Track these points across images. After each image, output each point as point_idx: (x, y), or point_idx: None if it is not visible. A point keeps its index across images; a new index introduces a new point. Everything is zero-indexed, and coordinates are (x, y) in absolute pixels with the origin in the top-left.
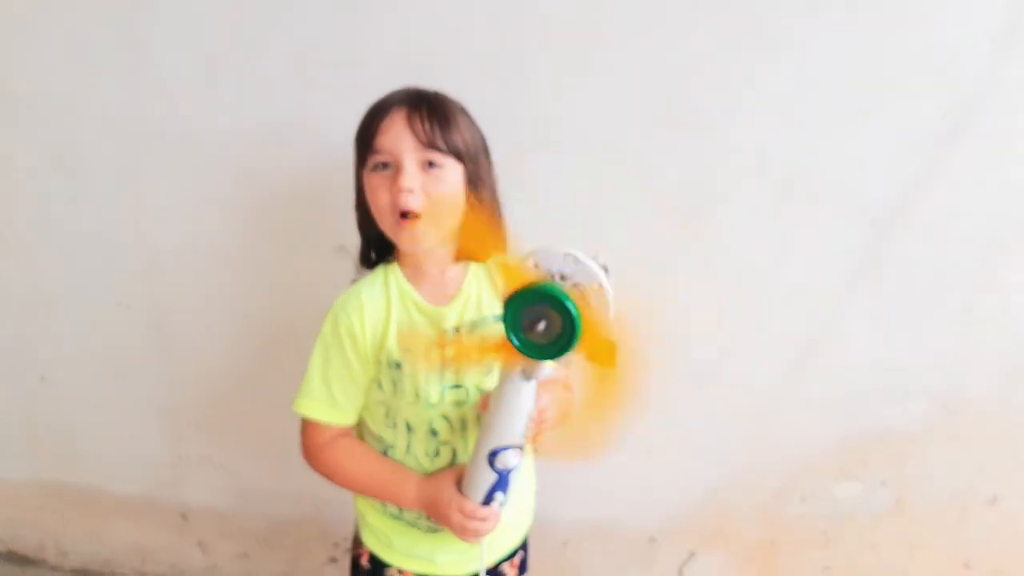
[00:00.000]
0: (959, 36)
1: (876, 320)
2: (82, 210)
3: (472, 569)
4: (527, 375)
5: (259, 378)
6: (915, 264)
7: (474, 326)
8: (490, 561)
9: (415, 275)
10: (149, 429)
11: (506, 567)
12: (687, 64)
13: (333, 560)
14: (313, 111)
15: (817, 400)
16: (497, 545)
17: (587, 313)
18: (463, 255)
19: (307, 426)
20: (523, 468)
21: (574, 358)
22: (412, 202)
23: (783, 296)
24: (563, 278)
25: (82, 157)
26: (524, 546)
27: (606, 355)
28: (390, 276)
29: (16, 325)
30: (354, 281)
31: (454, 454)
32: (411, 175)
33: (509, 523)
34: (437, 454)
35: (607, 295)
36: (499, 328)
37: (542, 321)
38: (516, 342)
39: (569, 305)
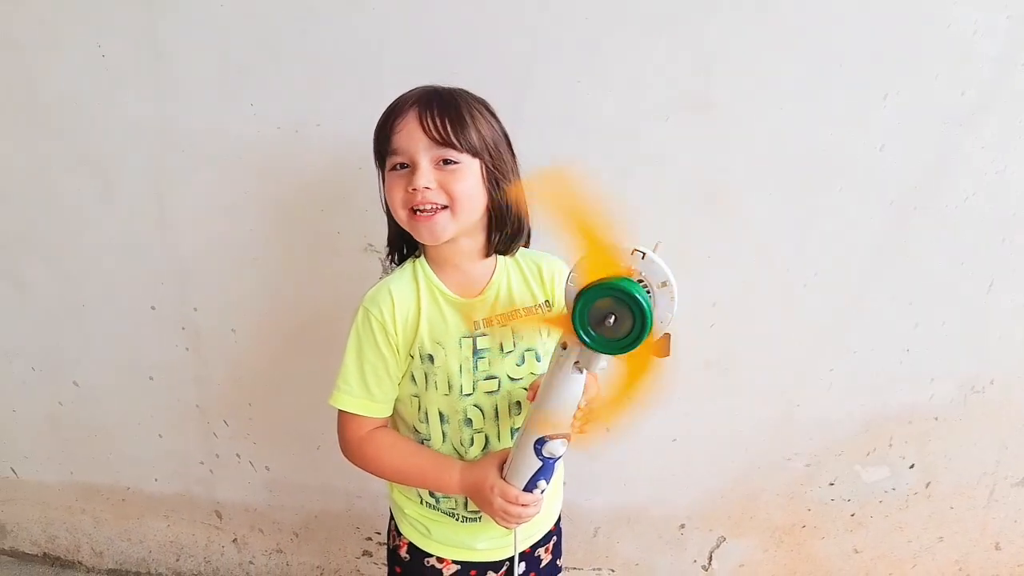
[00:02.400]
0: (976, 19)
1: (899, 303)
2: (111, 216)
3: (509, 553)
4: (580, 367)
5: (288, 375)
6: (936, 246)
7: (505, 319)
8: (526, 546)
9: (442, 268)
10: (181, 428)
11: (541, 552)
12: (707, 52)
13: (366, 553)
14: (335, 113)
15: (842, 384)
16: (532, 530)
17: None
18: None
19: (345, 420)
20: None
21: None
22: (427, 199)
23: (806, 281)
24: (630, 274)
25: (111, 164)
26: (558, 531)
27: (660, 350)
28: (418, 269)
29: (48, 331)
30: (384, 275)
31: (487, 441)
32: (424, 174)
33: (544, 509)
34: (472, 442)
35: (673, 294)
36: (532, 320)
37: (612, 316)
38: (582, 333)
39: (645, 305)
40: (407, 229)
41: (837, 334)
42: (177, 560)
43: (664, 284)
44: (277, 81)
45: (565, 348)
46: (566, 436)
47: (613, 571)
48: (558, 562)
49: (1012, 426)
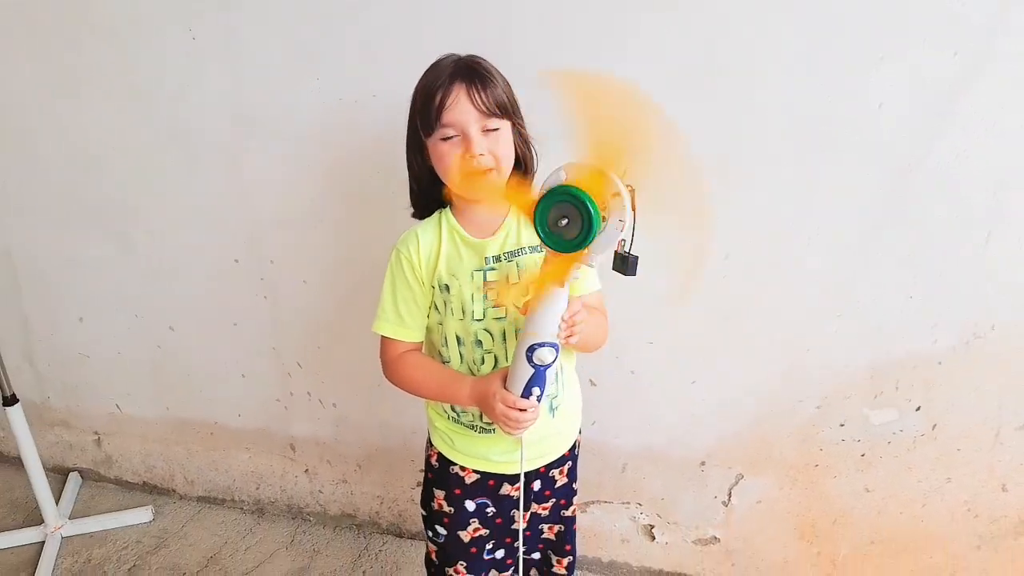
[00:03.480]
0: None
1: (901, 255)
2: (196, 183)
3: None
4: (560, 281)
5: (351, 321)
6: (935, 200)
7: (511, 255)
8: (540, 464)
9: (464, 215)
10: (260, 369)
11: (555, 473)
12: (713, 22)
13: (420, 485)
14: (390, 84)
15: (847, 331)
16: (545, 449)
17: (589, 186)
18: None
19: (383, 343)
20: (571, 386)
21: (597, 260)
22: (484, 162)
23: (811, 232)
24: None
25: (193, 137)
26: (573, 457)
27: (621, 264)
28: (443, 217)
29: (146, 285)
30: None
31: (496, 360)
32: (479, 143)
33: (557, 431)
34: (483, 361)
35: (625, 206)
36: (535, 257)
37: (564, 219)
38: (550, 243)
39: (590, 206)
40: (460, 192)
41: (842, 284)
42: (257, 488)
43: (616, 194)
44: (338, 57)
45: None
46: (553, 345)
47: (640, 505)
48: (573, 485)
49: (1013, 371)
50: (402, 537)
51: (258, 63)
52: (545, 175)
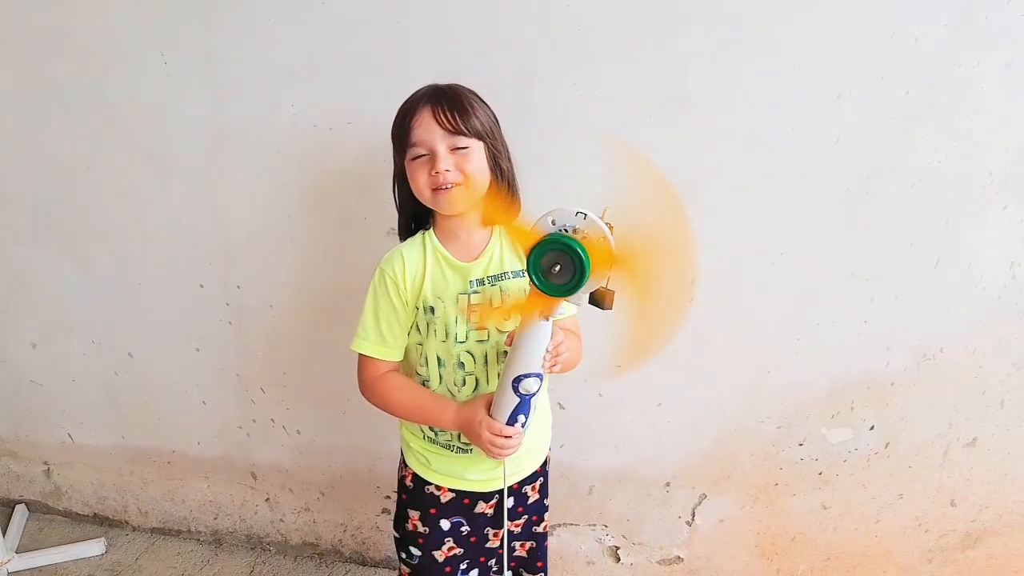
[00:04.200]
0: (918, 24)
1: (856, 279)
2: (166, 204)
3: (497, 486)
4: (544, 315)
5: (319, 346)
6: (889, 227)
7: (495, 279)
8: (513, 481)
9: (447, 238)
10: (223, 395)
11: (528, 489)
12: (684, 56)
13: (385, 511)
14: (364, 111)
15: (806, 352)
16: (519, 467)
17: (594, 254)
18: (487, 221)
19: (362, 362)
20: (542, 402)
21: (584, 299)
22: (447, 179)
23: (773, 259)
24: (575, 231)
25: (167, 158)
26: (544, 473)
27: (601, 299)
28: (427, 239)
29: (108, 308)
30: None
31: (477, 383)
32: (444, 159)
33: (529, 449)
34: (464, 383)
35: (611, 244)
36: (517, 282)
37: (557, 265)
38: (538, 283)
39: (579, 249)
40: (430, 205)
41: (803, 308)
42: (215, 519)
43: (604, 238)
44: (315, 85)
45: None
46: (538, 375)
47: (606, 526)
48: (545, 501)
49: (961, 391)
50: (365, 565)
51: (233, 89)
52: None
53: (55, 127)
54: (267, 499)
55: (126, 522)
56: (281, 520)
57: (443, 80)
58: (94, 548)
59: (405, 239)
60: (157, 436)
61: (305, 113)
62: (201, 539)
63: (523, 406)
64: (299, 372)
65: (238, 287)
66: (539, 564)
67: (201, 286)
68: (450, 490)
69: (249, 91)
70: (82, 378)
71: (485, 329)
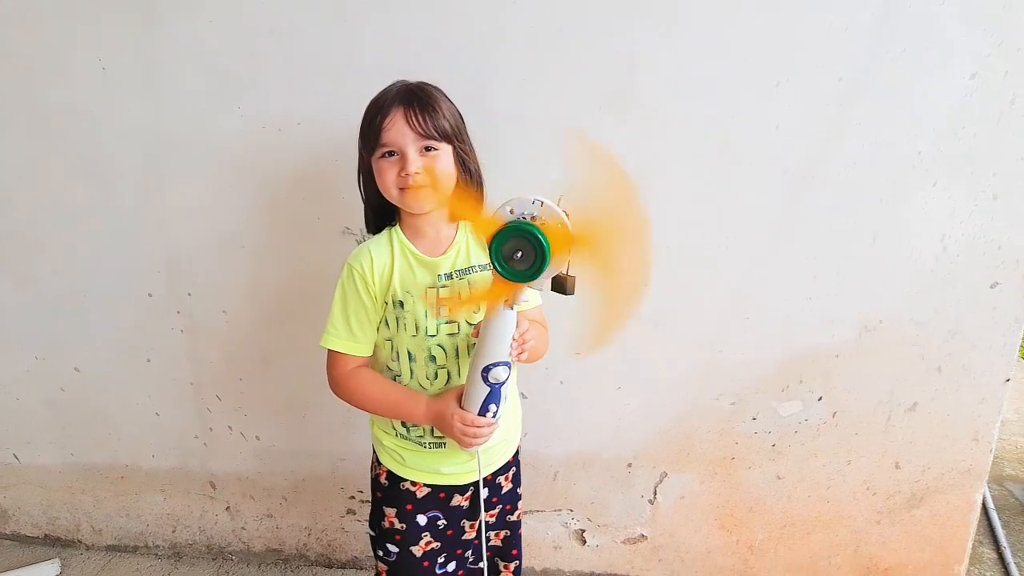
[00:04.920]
0: (847, 14)
1: (800, 258)
2: (110, 213)
3: (472, 478)
4: (509, 303)
5: (275, 350)
6: (828, 207)
7: (462, 273)
8: (487, 471)
9: (414, 234)
10: (177, 405)
11: (502, 480)
12: (630, 53)
13: (350, 512)
14: (314, 112)
15: (755, 330)
16: (492, 459)
17: (553, 238)
18: (454, 217)
19: (332, 358)
20: (512, 393)
21: (546, 285)
22: (417, 180)
23: (721, 242)
24: (533, 218)
25: (109, 166)
26: (516, 463)
27: (562, 285)
28: (394, 235)
29: (51, 322)
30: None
31: (449, 376)
32: (414, 161)
33: (502, 439)
34: (436, 376)
35: (568, 227)
36: (484, 275)
37: (519, 252)
38: (500, 269)
39: (538, 234)
40: (398, 204)
41: (750, 288)
42: (173, 531)
43: (561, 223)
44: (261, 86)
45: None
46: (506, 363)
47: (572, 511)
48: (518, 490)
49: (900, 360)
50: (332, 567)
51: (176, 91)
52: (497, 197)
53: None
54: (227, 508)
55: (79, 541)
56: (243, 528)
57: (392, 78)
58: (48, 570)
59: (371, 229)
60: (108, 451)
61: (252, 115)
62: (160, 554)
63: (494, 395)
64: (256, 377)
65: (189, 294)
66: (514, 552)
67: (150, 295)
68: (426, 485)
69: (192, 95)
70: (26, 396)
71: (456, 322)
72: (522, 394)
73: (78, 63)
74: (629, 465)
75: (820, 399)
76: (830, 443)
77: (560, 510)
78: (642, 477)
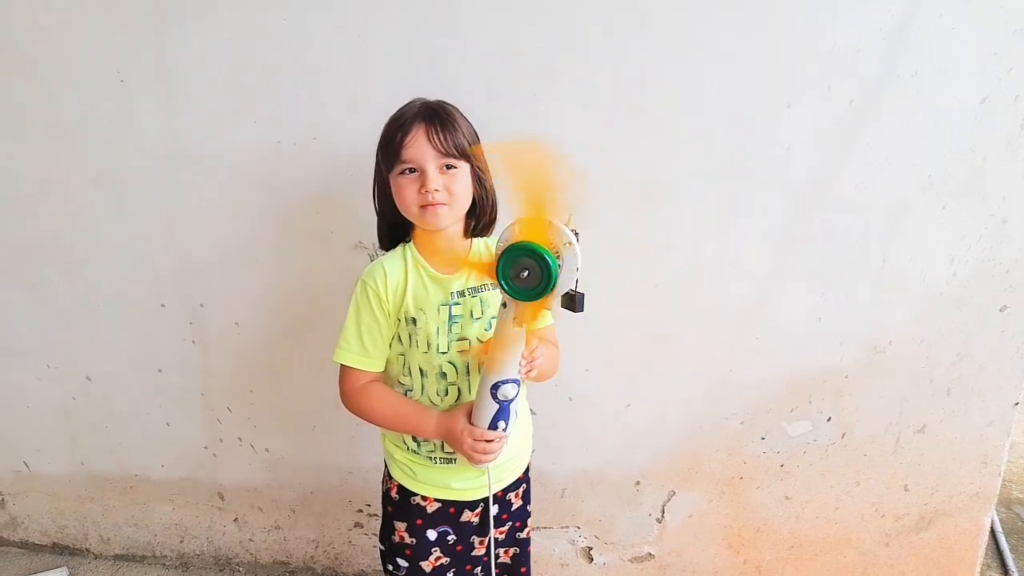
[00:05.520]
0: (859, 37)
1: (809, 277)
2: (125, 224)
3: (482, 494)
4: (518, 322)
5: (287, 362)
6: (837, 228)
7: (475, 291)
8: (497, 488)
9: (428, 250)
10: (187, 416)
11: (512, 496)
12: (641, 74)
13: (358, 525)
14: (328, 127)
15: (765, 349)
16: (503, 475)
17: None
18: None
19: (344, 373)
20: (522, 409)
21: (556, 303)
22: (437, 198)
23: (731, 261)
24: (565, 246)
25: (123, 176)
26: (527, 480)
27: (571, 302)
28: (407, 251)
29: (64, 331)
30: (376, 256)
31: (459, 392)
32: (434, 179)
33: (511, 457)
34: (446, 393)
35: (576, 253)
36: (497, 293)
37: (525, 271)
38: (508, 289)
39: (549, 259)
40: (416, 221)
41: (760, 306)
42: (181, 542)
43: (568, 244)
44: (277, 101)
45: (505, 307)
46: (515, 380)
47: (579, 528)
48: (528, 507)
49: (910, 381)
50: None
51: (194, 105)
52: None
53: (5, 148)
54: (235, 519)
55: (87, 550)
56: (250, 539)
57: (408, 96)
58: None
59: (384, 244)
60: (118, 461)
61: (268, 130)
62: (167, 564)
63: (502, 412)
64: (267, 389)
65: (201, 305)
66: (523, 570)
67: (163, 306)
68: (436, 500)
69: (209, 108)
70: (38, 404)
71: (467, 339)
72: (531, 410)
73: (96, 75)
74: (637, 483)
75: (829, 420)
76: (839, 464)
77: (567, 527)
78: (650, 495)
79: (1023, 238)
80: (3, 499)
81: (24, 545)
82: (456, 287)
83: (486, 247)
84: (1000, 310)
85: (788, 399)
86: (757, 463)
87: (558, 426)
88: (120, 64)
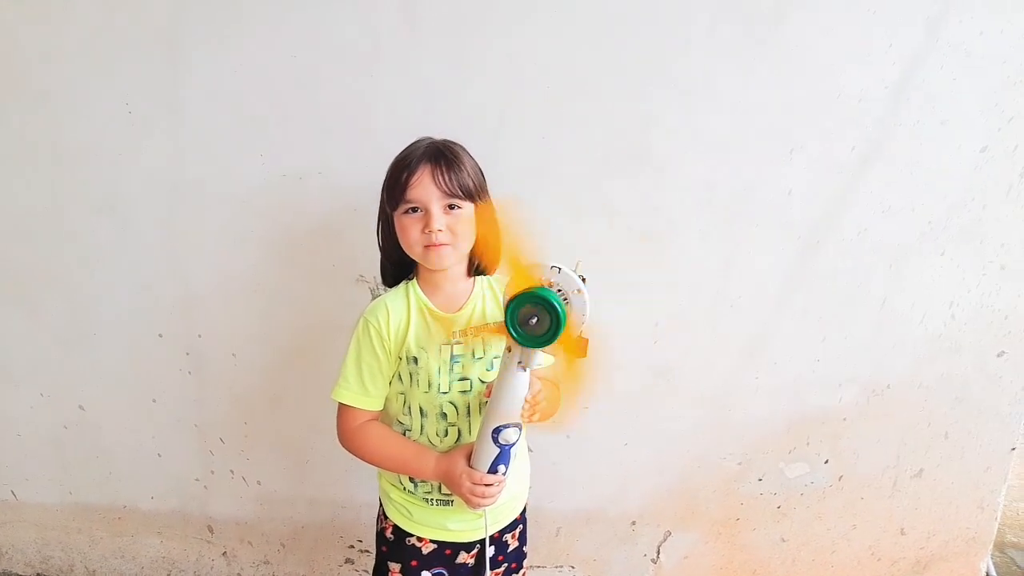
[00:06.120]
0: (861, 85)
1: (809, 320)
2: (124, 251)
3: (479, 536)
4: (523, 365)
5: (283, 394)
6: (838, 271)
7: (477, 331)
8: (494, 529)
9: (431, 289)
10: (179, 447)
11: (508, 537)
12: (647, 116)
13: (348, 561)
14: (333, 161)
15: (764, 390)
16: (500, 516)
17: (568, 313)
18: (483, 261)
19: (343, 411)
20: (520, 450)
21: (559, 351)
22: (440, 238)
23: (731, 303)
24: (550, 285)
25: (126, 205)
26: (523, 521)
27: (579, 348)
28: (410, 290)
29: (59, 359)
30: (379, 294)
31: (459, 434)
32: (438, 219)
33: (511, 496)
34: (446, 434)
35: (585, 299)
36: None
37: (534, 317)
38: (514, 333)
39: (559, 308)
40: (419, 260)
41: (760, 347)
42: (168, 575)
43: (578, 291)
44: (285, 135)
45: (510, 351)
46: (517, 425)
47: (573, 567)
48: (524, 548)
49: (908, 424)
50: None
51: (200, 135)
52: None
53: (7, 172)
54: (224, 553)
55: None
56: (239, 574)
57: (415, 133)
58: None
59: (387, 281)
60: (107, 491)
61: (274, 163)
62: None
63: (503, 456)
64: (261, 422)
65: (199, 336)
66: None
67: (160, 335)
68: (432, 541)
69: (215, 140)
70: (28, 432)
71: (468, 379)
72: (528, 447)
73: (104, 103)
74: (633, 523)
75: (827, 462)
76: (836, 507)
77: (562, 566)
78: (646, 535)
79: (1022, 285)
80: None
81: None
82: (459, 326)
83: (489, 286)
84: (998, 355)
85: (786, 440)
86: (754, 504)
87: (555, 464)
88: (128, 94)
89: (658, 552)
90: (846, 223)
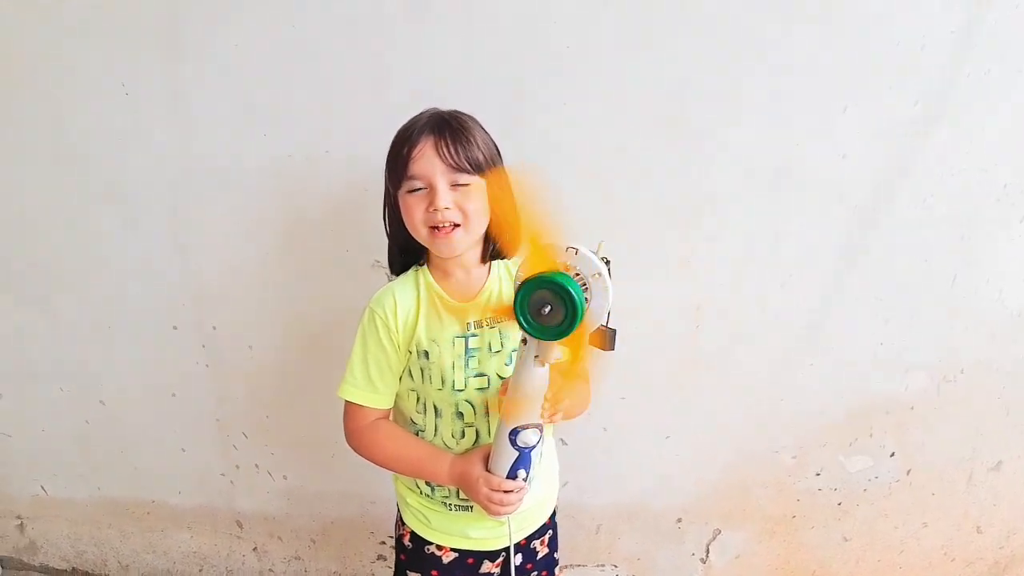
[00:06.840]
0: (923, 32)
1: (869, 299)
2: (135, 243)
3: (503, 544)
4: (540, 360)
5: (303, 386)
6: (901, 244)
7: (494, 321)
8: (520, 536)
9: (442, 276)
10: (202, 442)
11: (537, 544)
12: (681, 76)
13: (381, 557)
14: (343, 140)
15: (821, 377)
16: (525, 522)
17: (587, 301)
18: (500, 243)
19: (349, 410)
20: (547, 451)
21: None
22: (447, 218)
23: (781, 282)
24: (566, 269)
25: (133, 193)
26: (553, 525)
27: (602, 340)
28: (420, 276)
29: (76, 353)
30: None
31: (477, 435)
32: (444, 196)
33: (537, 501)
34: (463, 435)
35: (607, 285)
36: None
37: (547, 306)
38: (525, 324)
39: (575, 294)
40: (426, 245)
41: (813, 330)
42: (200, 571)
43: (597, 275)
44: (289, 112)
45: (525, 343)
46: (537, 426)
47: (616, 566)
48: (555, 555)
49: (984, 413)
50: None
51: (202, 118)
52: None
53: (8, 166)
54: (254, 548)
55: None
56: (270, 570)
57: (427, 103)
58: None
59: (395, 269)
60: (134, 486)
61: (280, 143)
62: None
63: (523, 460)
64: (283, 414)
65: (214, 328)
66: None
67: (174, 328)
68: (452, 549)
69: (218, 122)
70: (52, 427)
71: (486, 375)
72: (562, 440)
73: (102, 88)
74: (679, 520)
75: (892, 455)
76: (904, 503)
77: (603, 565)
78: (693, 533)
79: None
80: (22, 522)
81: (44, 570)
82: (473, 316)
83: (507, 270)
84: None
85: (846, 432)
86: (812, 501)
87: (592, 458)
88: (125, 76)
89: (707, 551)
90: (909, 188)
